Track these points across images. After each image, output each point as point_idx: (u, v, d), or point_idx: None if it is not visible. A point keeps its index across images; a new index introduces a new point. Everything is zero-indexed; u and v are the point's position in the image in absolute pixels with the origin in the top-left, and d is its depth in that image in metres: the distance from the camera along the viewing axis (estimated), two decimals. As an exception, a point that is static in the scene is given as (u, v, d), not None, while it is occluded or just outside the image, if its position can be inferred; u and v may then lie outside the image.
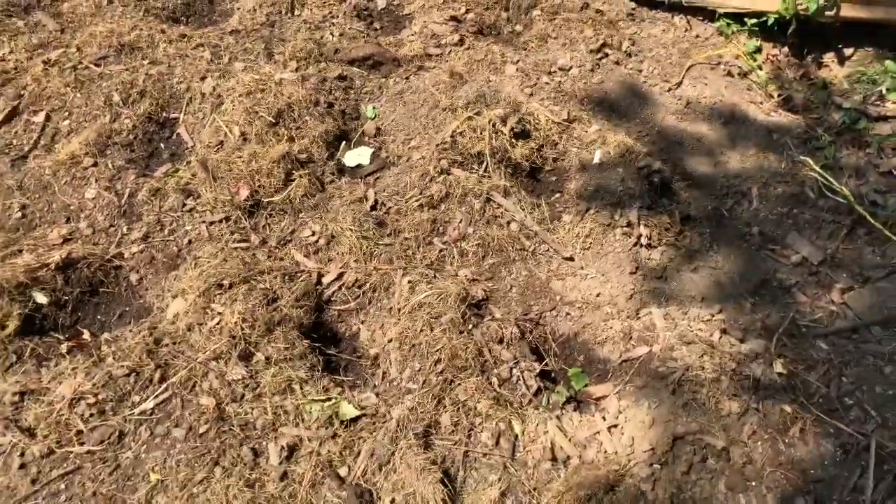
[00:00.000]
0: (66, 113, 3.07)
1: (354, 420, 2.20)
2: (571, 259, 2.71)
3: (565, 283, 2.65)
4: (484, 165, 2.85)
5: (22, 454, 2.09)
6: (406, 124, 3.10)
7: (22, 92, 3.14)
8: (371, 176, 2.92)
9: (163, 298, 2.48)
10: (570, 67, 3.42)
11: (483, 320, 2.43)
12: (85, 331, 2.43)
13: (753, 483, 2.10)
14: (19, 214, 2.72)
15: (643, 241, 2.75)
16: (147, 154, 2.97)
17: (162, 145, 3.02)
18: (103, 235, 2.64)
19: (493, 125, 2.90)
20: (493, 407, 2.20)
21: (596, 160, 2.98)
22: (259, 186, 2.71)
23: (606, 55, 3.55)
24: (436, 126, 2.99)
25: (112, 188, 2.77)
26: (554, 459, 2.14)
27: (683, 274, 2.71)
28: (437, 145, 2.86)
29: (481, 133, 2.89)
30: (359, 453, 2.14)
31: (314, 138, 2.91)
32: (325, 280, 2.54)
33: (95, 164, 2.85)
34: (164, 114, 3.09)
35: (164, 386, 2.21)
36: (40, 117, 3.07)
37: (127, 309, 2.52)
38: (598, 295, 2.62)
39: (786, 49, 3.84)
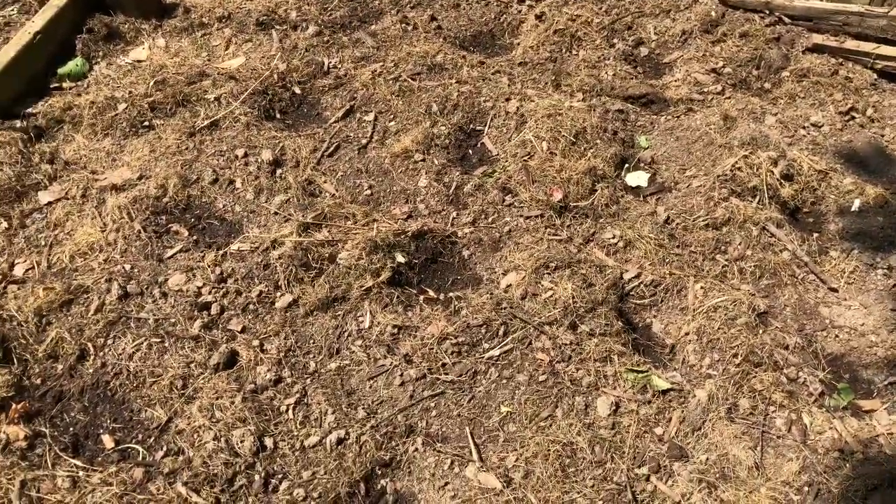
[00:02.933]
0: (392, 115, 3.70)
1: (664, 392, 2.62)
2: (836, 290, 3.05)
3: (832, 310, 2.99)
4: (758, 198, 3.26)
5: (401, 374, 2.63)
6: (679, 156, 3.55)
7: (354, 95, 3.80)
8: (652, 196, 3.37)
9: (493, 272, 3.00)
10: (822, 125, 3.79)
11: (768, 328, 2.81)
12: (429, 289, 2.97)
13: None
14: (368, 192, 3.32)
15: (901, 283, 3.06)
16: (460, 157, 3.54)
17: (470, 151, 3.59)
18: (438, 216, 3.20)
19: (768, 164, 3.30)
20: (787, 399, 2.57)
21: (855, 208, 3.32)
22: (568, 192, 3.22)
23: (853, 117, 3.89)
24: (712, 160, 3.43)
25: (440, 180, 3.34)
26: (841, 451, 2.48)
27: (938, 318, 3.00)
28: (718, 176, 3.29)
29: (757, 170, 3.30)
30: (671, 419, 2.55)
31: (606, 159, 3.41)
32: (626, 276, 2.99)
33: (423, 160, 3.44)
34: (472, 125, 3.66)
35: (507, 339, 2.71)
36: (370, 117, 3.71)
37: (459, 277, 3.05)
38: (862, 324, 2.95)
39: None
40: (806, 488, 2.40)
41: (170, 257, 3.00)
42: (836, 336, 2.91)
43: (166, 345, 2.66)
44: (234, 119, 3.59)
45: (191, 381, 2.57)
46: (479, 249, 3.10)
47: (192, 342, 2.68)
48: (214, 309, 2.80)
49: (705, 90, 3.95)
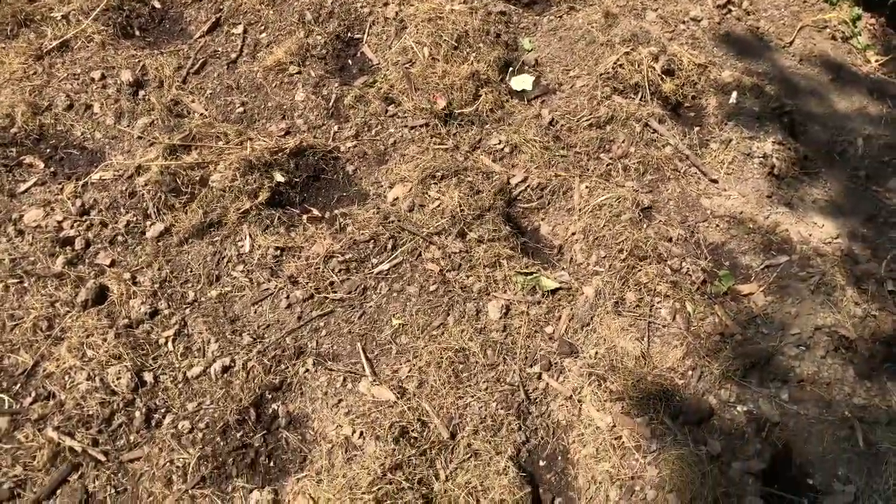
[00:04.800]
0: (262, 27, 3.46)
1: (553, 292, 2.63)
2: (717, 181, 3.12)
3: (712, 200, 3.07)
4: (640, 95, 3.26)
5: (287, 297, 2.53)
6: (563, 57, 3.49)
7: (220, 6, 3.52)
8: (536, 99, 3.31)
9: (379, 186, 2.90)
10: (701, 19, 3.81)
11: (651, 222, 2.86)
12: (312, 208, 2.85)
13: (876, 374, 2.52)
14: (241, 110, 3.12)
15: (775, 171, 3.16)
16: (339, 68, 3.36)
17: (350, 62, 3.42)
18: (318, 132, 3.05)
19: (649, 60, 3.30)
20: (671, 289, 2.64)
21: (732, 100, 3.38)
22: (452, 99, 3.12)
23: (730, 10, 3.93)
24: (594, 59, 3.39)
25: (318, 93, 3.17)
26: (721, 334, 2.58)
27: (807, 203, 3.13)
28: (600, 75, 3.27)
29: (638, 66, 3.29)
30: (560, 317, 2.58)
31: (490, 63, 3.31)
32: (513, 181, 2.95)
33: (300, 72, 3.25)
34: (350, 34, 3.47)
35: (396, 252, 2.64)
36: (239, 29, 3.45)
37: (345, 194, 2.93)
38: (741, 212, 3.04)
39: (882, 20, 4.21)
40: (690, 372, 2.49)
41: (23, 192, 2.74)
42: (717, 226, 3.00)
43: (26, 285, 2.46)
44: (87, 38, 3.27)
45: (57, 321, 2.39)
46: (363, 163, 2.98)
47: (56, 280, 2.48)
48: (78, 243, 2.59)
49: (588, -12, 3.88)
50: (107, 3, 3.41)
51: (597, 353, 2.47)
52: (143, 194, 2.68)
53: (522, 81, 3.39)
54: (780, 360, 2.55)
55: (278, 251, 2.61)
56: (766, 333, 2.62)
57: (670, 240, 2.80)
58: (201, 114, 3.02)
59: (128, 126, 2.94)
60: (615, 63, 3.31)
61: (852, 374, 2.56)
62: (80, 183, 2.72)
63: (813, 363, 2.52)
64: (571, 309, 2.59)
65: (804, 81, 3.65)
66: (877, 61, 4.05)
